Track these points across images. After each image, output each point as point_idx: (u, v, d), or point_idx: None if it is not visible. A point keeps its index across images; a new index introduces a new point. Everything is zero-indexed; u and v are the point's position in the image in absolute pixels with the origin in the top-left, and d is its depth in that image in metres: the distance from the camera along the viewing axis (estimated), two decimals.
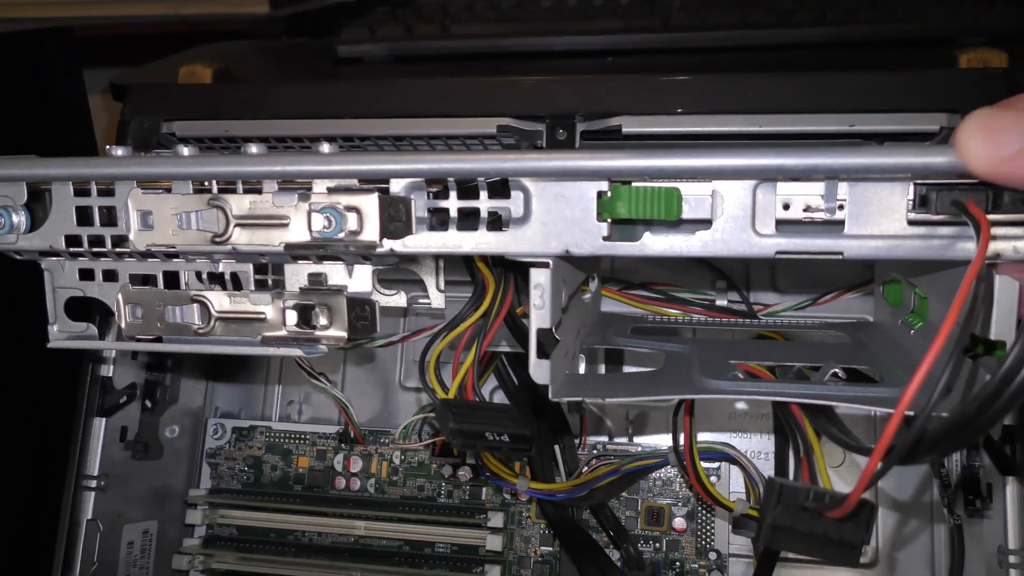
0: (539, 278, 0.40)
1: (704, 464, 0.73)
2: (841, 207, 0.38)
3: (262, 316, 0.47)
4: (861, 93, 0.57)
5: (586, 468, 0.70)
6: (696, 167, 0.37)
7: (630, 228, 0.41)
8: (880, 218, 0.38)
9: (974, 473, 0.57)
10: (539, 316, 0.40)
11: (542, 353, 0.41)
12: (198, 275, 0.48)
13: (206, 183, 0.44)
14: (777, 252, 0.39)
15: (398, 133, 0.61)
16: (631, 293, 0.74)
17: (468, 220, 0.42)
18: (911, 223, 0.38)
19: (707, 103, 0.59)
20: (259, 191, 0.44)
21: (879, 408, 0.37)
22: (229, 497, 0.78)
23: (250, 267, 0.48)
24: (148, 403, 0.72)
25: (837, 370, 0.44)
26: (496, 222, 0.42)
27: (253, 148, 0.43)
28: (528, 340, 0.41)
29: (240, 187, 0.44)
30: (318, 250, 0.43)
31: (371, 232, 0.42)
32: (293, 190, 0.43)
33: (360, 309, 0.46)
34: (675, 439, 0.55)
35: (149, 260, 0.48)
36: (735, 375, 0.44)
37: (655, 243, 0.40)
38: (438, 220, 0.43)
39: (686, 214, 0.39)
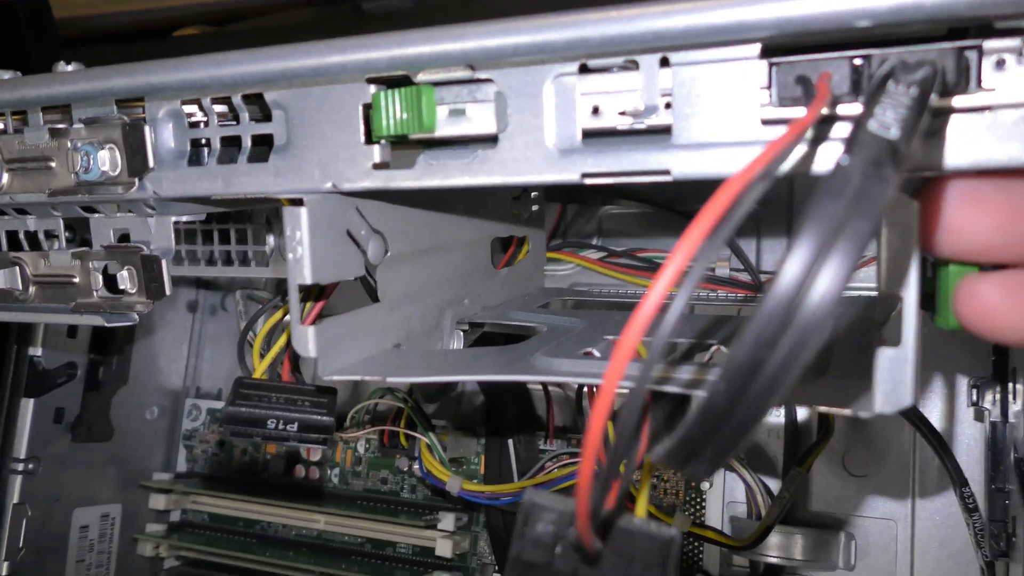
0: (292, 219, 0.31)
1: None
2: (667, 105, 0.27)
3: (73, 280, 0.41)
4: None
5: (552, 465, 0.60)
6: (441, 52, 0.26)
7: (416, 154, 0.31)
8: (722, 117, 0.26)
9: (1002, 500, 0.41)
10: (296, 268, 0.31)
11: (309, 317, 0.32)
12: (16, 234, 0.43)
13: None
14: (584, 175, 0.28)
15: None
16: (611, 262, 0.63)
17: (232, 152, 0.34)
18: (766, 122, 0.26)
19: None
20: (23, 130, 0.37)
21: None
22: (196, 483, 0.73)
23: (60, 223, 0.42)
24: (104, 382, 0.69)
25: (722, 347, 0.31)
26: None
27: (6, 75, 0.36)
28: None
29: (9, 125, 0.38)
30: (83, 196, 0.36)
31: (125, 171, 0.35)
32: (49, 125, 0.36)
33: (151, 268, 0.38)
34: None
35: None
36: (591, 353, 0.33)
37: (433, 171, 0.30)
38: (208, 156, 0.35)
39: (465, 128, 0.29)
